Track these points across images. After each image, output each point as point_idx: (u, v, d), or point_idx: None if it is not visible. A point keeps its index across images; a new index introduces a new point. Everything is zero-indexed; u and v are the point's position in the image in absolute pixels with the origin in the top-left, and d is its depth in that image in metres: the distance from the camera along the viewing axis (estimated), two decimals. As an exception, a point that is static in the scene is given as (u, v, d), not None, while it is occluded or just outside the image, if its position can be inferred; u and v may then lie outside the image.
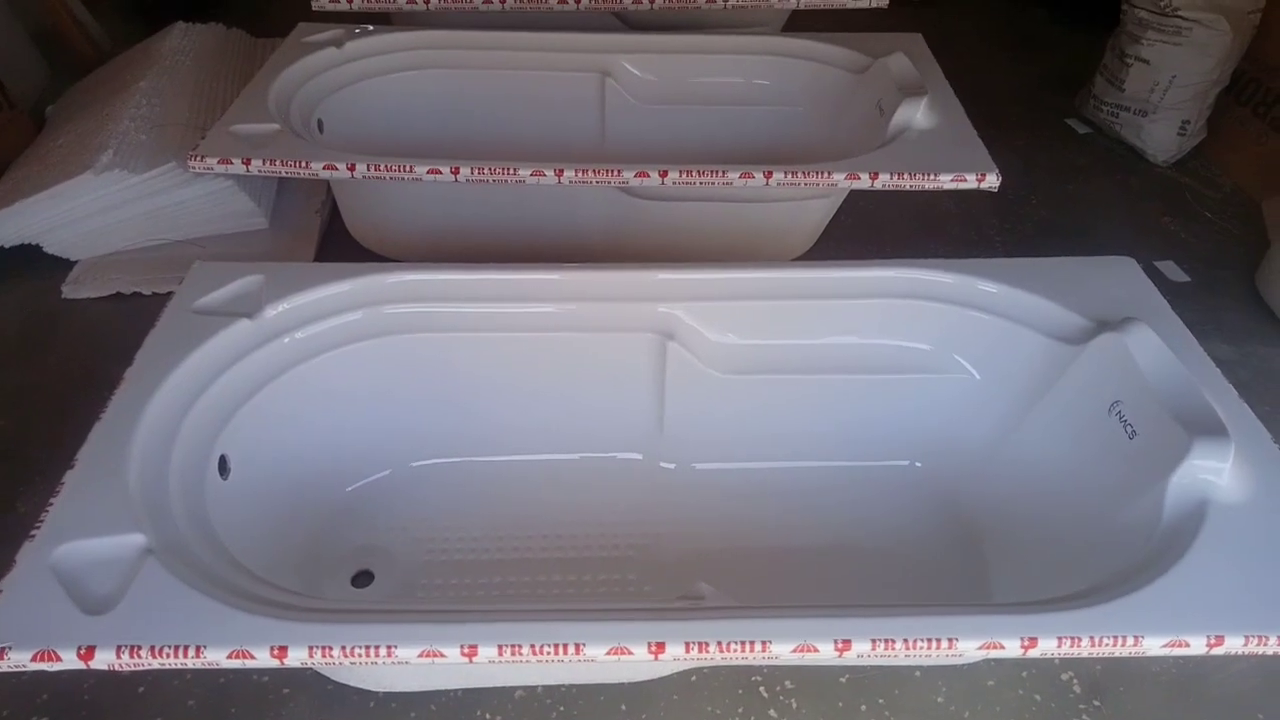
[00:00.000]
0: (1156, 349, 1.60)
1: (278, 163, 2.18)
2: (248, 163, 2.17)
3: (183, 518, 1.41)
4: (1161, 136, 3.19)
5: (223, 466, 1.59)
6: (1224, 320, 2.54)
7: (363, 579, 1.78)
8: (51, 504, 1.32)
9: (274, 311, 1.73)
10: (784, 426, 1.94)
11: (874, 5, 2.97)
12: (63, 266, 2.59)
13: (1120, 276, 1.84)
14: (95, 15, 3.80)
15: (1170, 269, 2.73)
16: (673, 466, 1.97)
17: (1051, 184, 3.14)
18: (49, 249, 2.58)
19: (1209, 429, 1.43)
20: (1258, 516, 1.36)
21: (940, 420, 1.90)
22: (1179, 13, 3.00)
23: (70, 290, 2.53)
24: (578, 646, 1.20)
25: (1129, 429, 1.56)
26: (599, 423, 1.95)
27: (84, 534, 1.29)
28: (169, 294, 1.75)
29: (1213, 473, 1.40)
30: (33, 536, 1.27)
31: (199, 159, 2.18)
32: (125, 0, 4.11)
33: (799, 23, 3.22)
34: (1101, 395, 1.63)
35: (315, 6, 2.90)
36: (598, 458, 1.97)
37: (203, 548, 1.38)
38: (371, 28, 2.83)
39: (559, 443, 1.96)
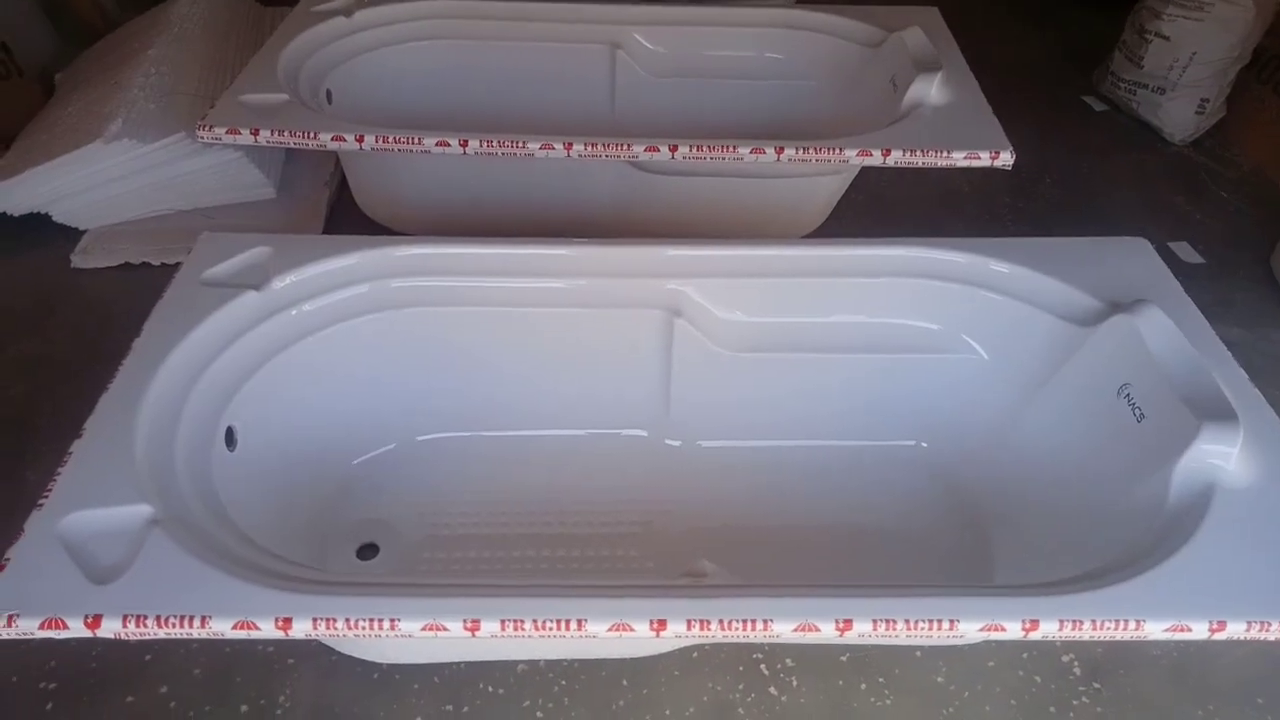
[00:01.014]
0: (1167, 331, 1.58)
1: (286, 133, 2.17)
2: (256, 133, 2.16)
3: (189, 489, 1.41)
4: (1179, 115, 3.15)
5: (229, 438, 1.59)
6: (1237, 302, 2.51)
7: (367, 551, 1.79)
8: (59, 474, 1.33)
9: (281, 284, 1.73)
10: (790, 405, 1.93)
11: (890, -23, 2.93)
12: (72, 235, 2.59)
13: (1133, 257, 1.82)
14: (104, -19, 3.77)
15: (1184, 250, 2.70)
16: (678, 444, 1.97)
17: (1066, 162, 3.10)
18: (58, 218, 2.58)
19: (1218, 413, 1.42)
20: (1264, 502, 1.35)
21: (948, 401, 1.89)
22: (1201, -13, 2.95)
23: (79, 260, 2.53)
24: (579, 622, 1.20)
25: (1137, 412, 1.55)
26: (605, 399, 1.95)
27: (91, 504, 1.29)
28: (177, 264, 1.75)
29: (1220, 457, 1.39)
30: (40, 505, 1.28)
31: (208, 129, 2.16)
32: (134, -34, 4.07)
33: (813, -5, 3.18)
34: (1111, 377, 1.62)
35: (324, -26, 2.88)
36: (603, 434, 1.97)
37: (209, 519, 1.39)
38: (382, -4, 2.80)
39: (565, 418, 1.96)
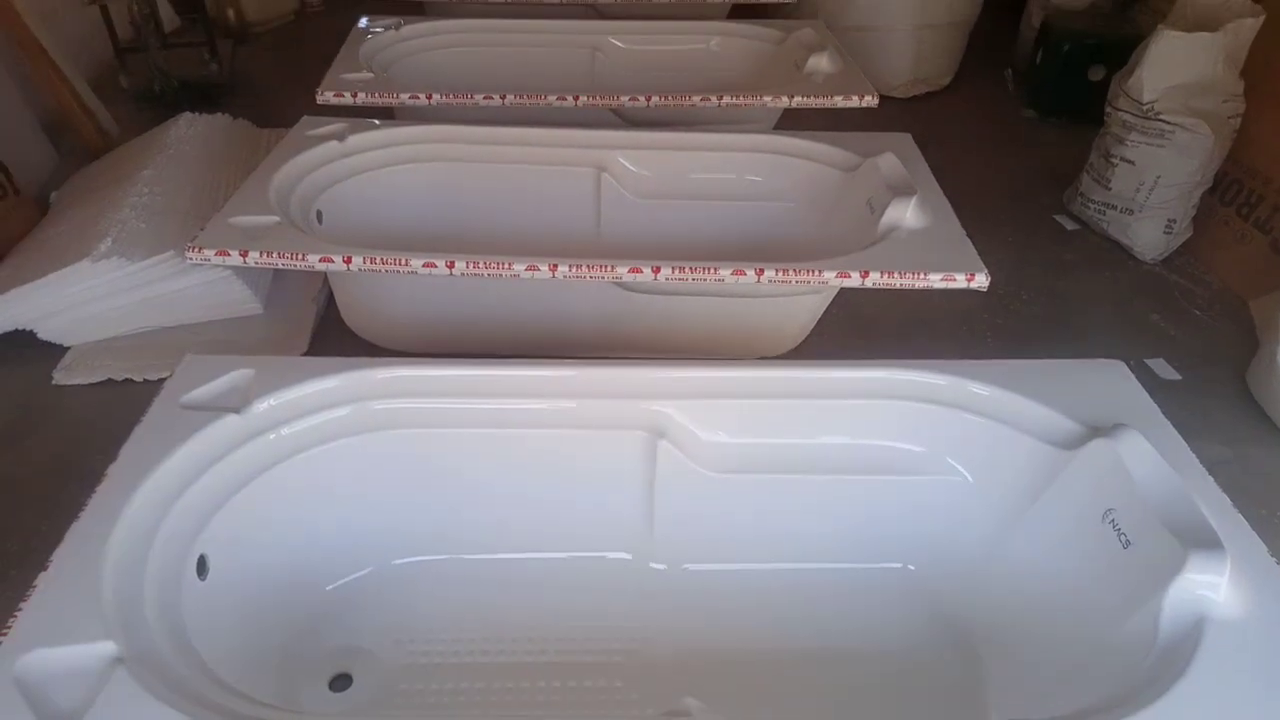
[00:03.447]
0: (1149, 457, 1.59)
1: (274, 255, 2.20)
2: (245, 255, 2.19)
3: (157, 623, 1.37)
4: (1148, 235, 3.24)
5: (201, 566, 1.56)
6: (1216, 420, 2.53)
7: (341, 682, 1.73)
8: (21, 608, 1.29)
9: (262, 406, 1.72)
10: (776, 527, 1.91)
11: (864, 104, 3.06)
12: (56, 352, 2.59)
13: (1110, 380, 1.84)
14: (106, 103, 3.89)
15: (1161, 367, 2.74)
16: (663, 567, 1.93)
17: (1041, 280, 3.17)
18: (43, 335, 2.58)
19: (1204, 541, 1.41)
20: (1256, 634, 1.33)
21: (934, 523, 1.87)
22: (1161, 116, 3.08)
23: (61, 377, 2.52)
24: (557, 769, 1.15)
25: (1123, 538, 1.54)
26: (588, 521, 1.92)
27: (52, 641, 1.26)
28: (160, 380, 1.75)
29: (1209, 587, 1.37)
30: (-1, 643, 1.24)
31: (197, 250, 2.19)
32: (136, 89, 4.21)
33: (791, 120, 3.30)
34: (1095, 503, 1.62)
35: (320, 100, 2.99)
36: (586, 557, 1.93)
37: (175, 655, 1.34)
38: (377, 121, 2.89)
39: (547, 541, 1.93)
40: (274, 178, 2.52)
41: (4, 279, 2.61)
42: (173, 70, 4.21)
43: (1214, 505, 1.53)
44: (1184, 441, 1.68)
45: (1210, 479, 1.60)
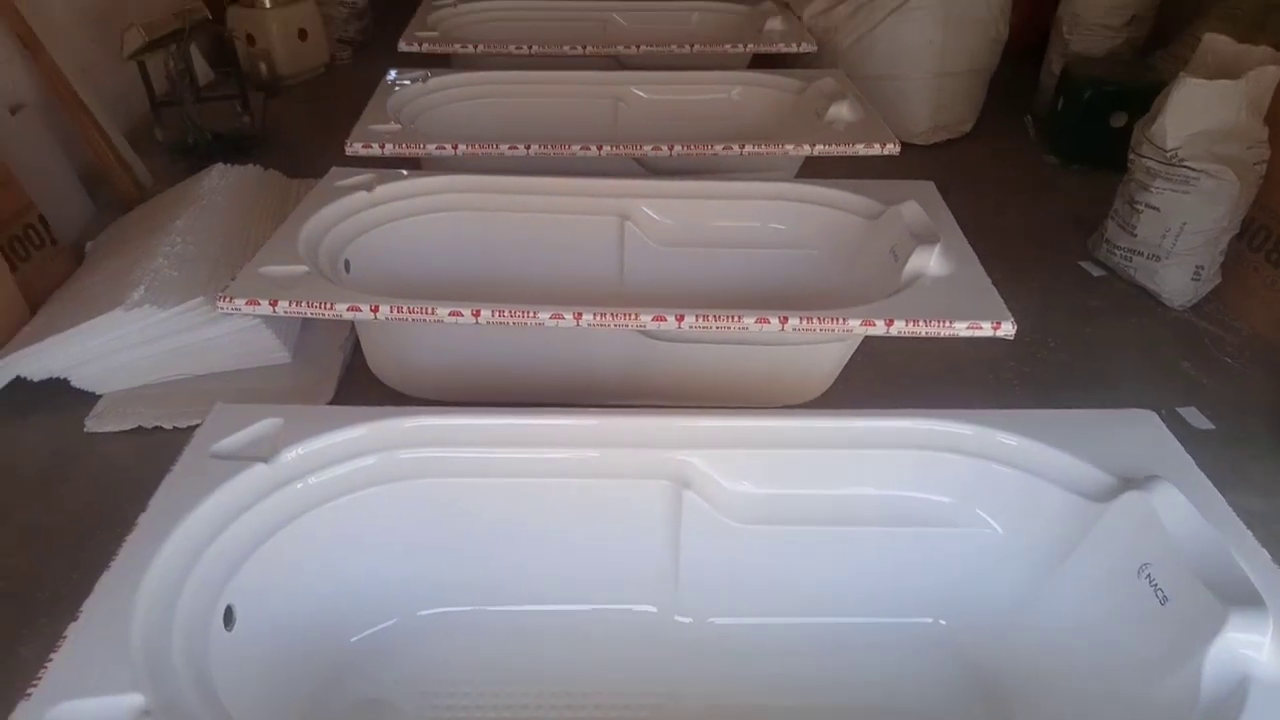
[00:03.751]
0: (1184, 510, 1.56)
1: (304, 304, 2.23)
2: (275, 304, 2.22)
3: (184, 674, 1.37)
4: (1176, 281, 3.22)
5: (228, 617, 1.56)
6: (1251, 470, 2.48)
7: (365, 736, 1.72)
8: (51, 659, 1.30)
9: (290, 455, 1.74)
10: (803, 580, 1.88)
11: (886, 152, 3.08)
12: (88, 399, 2.63)
13: (1142, 430, 1.82)
14: (141, 155, 3.99)
15: (1193, 415, 2.70)
16: (688, 620, 1.91)
17: (1068, 327, 3.15)
18: (76, 383, 2.61)
19: (1245, 599, 1.38)
20: (1303, 696, 1.30)
21: (964, 576, 1.84)
22: (1185, 163, 3.07)
23: (93, 424, 2.56)
24: (584, 830, 1.13)
25: (1160, 594, 1.51)
26: (613, 573, 1.90)
27: (81, 693, 1.26)
28: (190, 428, 1.77)
29: (1252, 647, 1.34)
30: (28, 695, 1.25)
31: (228, 300, 2.23)
32: (171, 141, 4.32)
33: (813, 169, 3.33)
34: (1129, 557, 1.59)
35: (349, 152, 3.04)
36: (611, 609, 1.91)
37: (201, 707, 1.34)
38: (404, 172, 2.94)
39: (571, 593, 1.91)
40: (303, 228, 2.56)
41: (39, 328, 2.66)
42: (206, 123, 4.31)
43: (1253, 560, 1.50)
44: (1219, 494, 1.65)
45: (1249, 533, 1.57)
